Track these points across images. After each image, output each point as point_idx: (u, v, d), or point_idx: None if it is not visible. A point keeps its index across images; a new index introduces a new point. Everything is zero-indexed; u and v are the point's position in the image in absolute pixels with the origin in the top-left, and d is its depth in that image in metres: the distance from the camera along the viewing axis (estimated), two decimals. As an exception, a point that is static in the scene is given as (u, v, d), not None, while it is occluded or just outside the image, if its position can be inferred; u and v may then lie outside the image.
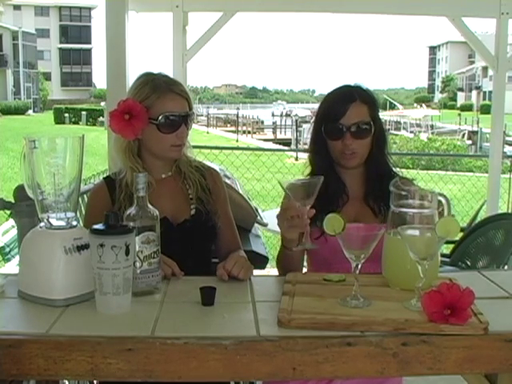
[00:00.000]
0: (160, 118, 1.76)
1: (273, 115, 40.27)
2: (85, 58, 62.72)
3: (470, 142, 24.17)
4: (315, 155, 1.91)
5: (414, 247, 1.34)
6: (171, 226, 1.77)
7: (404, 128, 32.67)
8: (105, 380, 1.30)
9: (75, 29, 61.50)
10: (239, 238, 1.95)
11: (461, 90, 65.54)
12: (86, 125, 32.73)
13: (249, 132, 30.58)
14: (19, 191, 2.06)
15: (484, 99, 50.66)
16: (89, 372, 1.22)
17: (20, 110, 40.33)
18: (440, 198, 1.57)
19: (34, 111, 44.81)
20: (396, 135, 22.90)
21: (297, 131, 22.55)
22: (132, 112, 1.72)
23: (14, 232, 3.72)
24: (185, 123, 1.79)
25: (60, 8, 60.69)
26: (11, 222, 3.45)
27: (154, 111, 1.76)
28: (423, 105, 48.66)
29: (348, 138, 1.80)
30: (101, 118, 31.05)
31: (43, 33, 58.49)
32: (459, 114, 35.68)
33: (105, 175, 1.99)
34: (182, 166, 1.87)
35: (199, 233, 1.83)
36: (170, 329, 1.29)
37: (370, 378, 1.66)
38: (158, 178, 1.82)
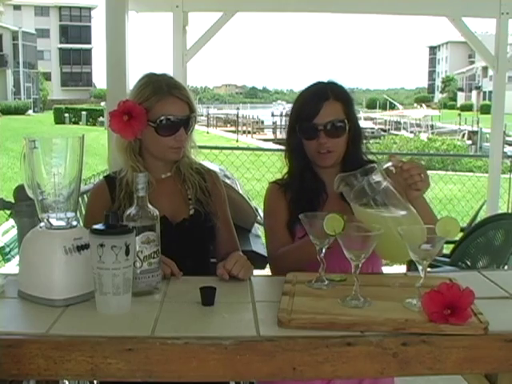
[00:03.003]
0: (158, 120, 1.76)
1: (273, 115, 40.23)
2: (85, 58, 62.73)
3: (470, 141, 24.19)
4: (291, 155, 1.88)
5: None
6: (170, 225, 1.77)
7: (404, 128, 32.70)
8: (105, 380, 1.30)
9: (75, 29, 61.50)
10: (237, 240, 1.95)
11: (461, 90, 65.53)
12: (86, 125, 32.75)
13: (249, 132, 30.59)
14: (19, 191, 2.06)
15: (484, 99, 50.65)
16: (89, 372, 1.22)
17: (20, 110, 40.32)
18: (388, 165, 1.57)
19: (34, 111, 44.80)
20: (396, 135, 22.90)
21: (297, 131, 22.49)
22: (131, 113, 1.73)
23: (14, 232, 3.73)
24: (184, 126, 1.79)
25: (60, 8, 60.69)
26: (11, 222, 3.46)
27: (154, 113, 1.76)
28: (423, 105, 48.69)
29: (323, 137, 1.77)
30: (101, 118, 31.07)
31: (43, 33, 58.49)
32: (459, 114, 35.69)
33: (105, 174, 1.99)
34: (182, 167, 1.87)
35: (197, 233, 1.83)
36: (170, 329, 1.29)
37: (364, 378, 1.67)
38: (158, 178, 1.82)
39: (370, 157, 1.92)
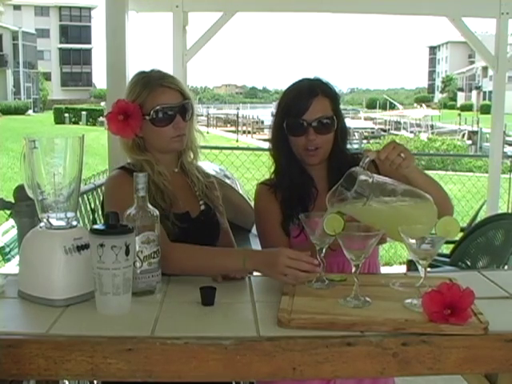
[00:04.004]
0: (152, 112, 1.75)
1: (272, 115, 40.15)
2: (85, 58, 62.74)
3: (470, 142, 24.19)
4: (278, 152, 1.85)
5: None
6: (192, 221, 1.77)
7: (404, 128, 32.69)
8: (105, 380, 1.30)
9: (75, 29, 61.51)
10: (234, 243, 1.94)
11: (461, 90, 65.54)
12: (86, 125, 32.74)
13: (249, 132, 30.59)
14: (19, 191, 2.06)
15: (484, 99, 50.65)
16: (89, 372, 1.22)
17: (20, 110, 40.31)
18: (367, 161, 1.55)
19: (34, 111, 44.80)
20: (396, 135, 22.91)
21: (297, 131, 22.42)
22: (126, 112, 1.73)
23: (14, 232, 3.73)
24: (180, 114, 1.78)
25: (60, 8, 60.69)
26: (11, 222, 3.46)
27: (147, 107, 1.76)
28: (423, 105, 48.66)
29: (311, 134, 1.76)
30: (101, 118, 31.03)
31: (43, 33, 58.49)
32: (459, 114, 35.70)
33: (105, 175, 1.98)
34: (186, 163, 1.87)
35: (210, 227, 1.84)
36: (170, 329, 1.29)
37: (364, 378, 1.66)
38: (170, 172, 1.81)
39: None
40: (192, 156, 1.89)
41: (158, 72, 1.84)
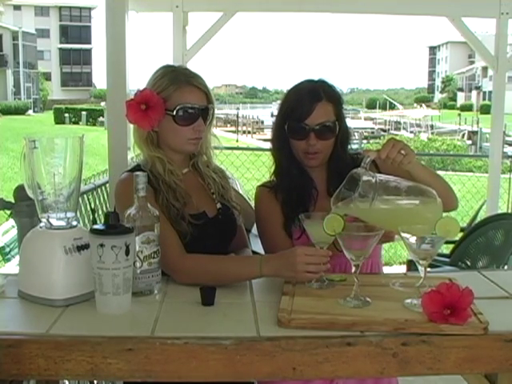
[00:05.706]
0: (176, 109, 1.72)
1: (272, 115, 40.22)
2: (85, 58, 62.74)
3: (470, 142, 24.20)
4: (278, 152, 1.84)
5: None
6: (209, 220, 1.76)
7: (404, 128, 32.71)
8: (105, 380, 1.30)
9: (75, 29, 61.52)
10: (246, 236, 1.94)
11: (461, 90, 65.55)
12: (86, 125, 32.75)
13: (249, 132, 30.61)
14: (19, 191, 2.05)
15: (484, 99, 50.66)
16: (89, 372, 1.22)
17: (20, 110, 40.30)
18: (368, 160, 1.54)
19: (34, 111, 44.80)
20: (396, 135, 22.88)
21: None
22: (149, 103, 1.69)
23: (14, 232, 3.73)
24: (203, 116, 1.75)
25: (60, 8, 60.71)
26: (11, 222, 3.45)
27: (171, 103, 1.72)
28: (423, 105, 48.66)
29: (312, 139, 1.74)
30: (101, 118, 31.05)
31: (43, 33, 58.50)
32: (459, 114, 35.72)
33: (105, 175, 1.97)
34: (201, 164, 1.85)
35: (228, 226, 1.83)
36: (170, 329, 1.29)
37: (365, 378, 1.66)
38: (182, 172, 1.79)
39: None
40: (206, 159, 1.86)
41: (185, 69, 1.84)
